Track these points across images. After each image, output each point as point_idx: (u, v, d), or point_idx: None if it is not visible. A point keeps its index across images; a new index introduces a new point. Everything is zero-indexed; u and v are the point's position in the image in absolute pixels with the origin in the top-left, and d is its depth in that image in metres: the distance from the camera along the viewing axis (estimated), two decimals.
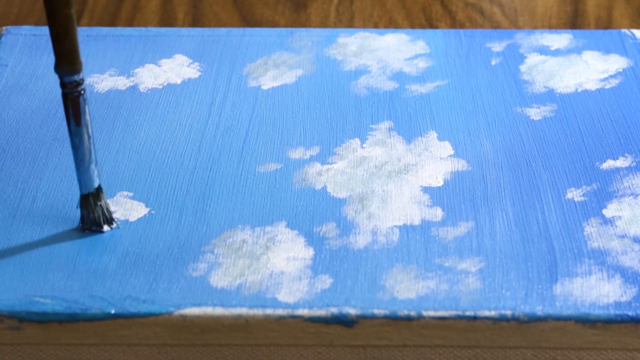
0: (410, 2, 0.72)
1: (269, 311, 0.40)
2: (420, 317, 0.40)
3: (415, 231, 0.43)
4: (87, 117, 0.42)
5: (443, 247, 0.43)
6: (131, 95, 0.53)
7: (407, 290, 0.41)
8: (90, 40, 0.57)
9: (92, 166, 0.43)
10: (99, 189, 0.43)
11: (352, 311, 0.40)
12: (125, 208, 0.45)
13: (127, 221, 0.44)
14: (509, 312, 0.40)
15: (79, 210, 0.43)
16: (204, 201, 0.45)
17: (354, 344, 0.40)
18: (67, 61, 0.41)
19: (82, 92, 0.41)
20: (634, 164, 0.47)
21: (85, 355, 0.41)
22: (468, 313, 0.40)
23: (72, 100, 0.41)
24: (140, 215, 0.44)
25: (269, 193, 0.46)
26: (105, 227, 0.43)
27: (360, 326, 0.40)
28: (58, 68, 0.41)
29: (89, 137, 0.42)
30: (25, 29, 0.58)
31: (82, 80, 0.41)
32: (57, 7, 0.40)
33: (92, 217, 0.43)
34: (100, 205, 0.43)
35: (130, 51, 0.56)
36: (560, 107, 0.52)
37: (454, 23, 0.70)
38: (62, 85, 0.41)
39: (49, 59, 0.55)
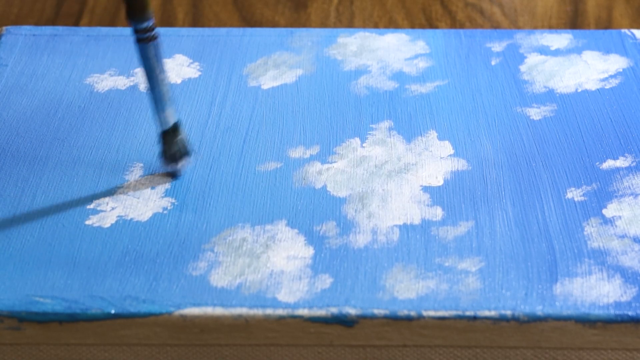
0: (410, 2, 0.72)
1: (269, 311, 0.40)
2: (420, 317, 0.40)
3: (415, 231, 0.43)
4: (162, 59, 0.44)
5: (443, 246, 0.43)
6: (131, 95, 0.53)
7: (407, 290, 0.41)
8: (90, 40, 0.57)
9: (169, 104, 0.45)
10: (177, 125, 0.46)
11: (352, 311, 0.40)
12: (125, 206, 0.45)
13: (126, 219, 0.44)
14: (509, 312, 0.40)
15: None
16: (204, 199, 0.45)
17: (354, 344, 0.40)
18: (139, 9, 0.43)
19: (155, 34, 0.43)
20: (634, 164, 0.47)
21: (85, 355, 0.41)
22: (468, 313, 0.40)
23: (147, 44, 0.43)
24: (140, 214, 0.44)
25: (269, 192, 0.46)
26: (180, 164, 0.46)
27: (360, 326, 0.40)
28: (131, 17, 0.43)
29: (165, 77, 0.45)
30: (25, 29, 0.58)
31: (154, 25, 0.43)
32: None
33: (171, 151, 0.46)
34: (179, 140, 0.46)
35: (130, 51, 0.56)
36: (560, 107, 0.52)
37: (454, 23, 0.70)
38: (136, 32, 0.43)
39: (49, 59, 0.55)
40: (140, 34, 0.43)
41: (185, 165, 0.46)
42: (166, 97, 0.45)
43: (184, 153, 0.46)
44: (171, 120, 0.46)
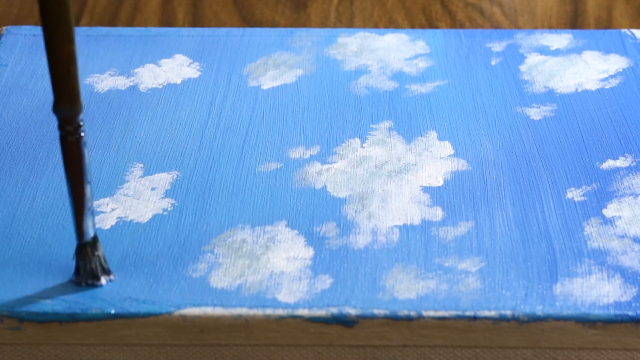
0: (410, 2, 0.72)
1: (269, 311, 0.40)
2: (420, 317, 0.40)
3: (415, 231, 0.43)
4: (87, 162, 0.39)
5: (443, 247, 0.43)
6: (131, 95, 0.53)
7: (407, 290, 0.41)
8: (90, 40, 0.57)
9: (90, 214, 0.40)
10: (96, 238, 0.41)
11: (352, 311, 0.40)
12: (125, 207, 0.45)
13: (126, 221, 0.44)
14: (509, 312, 0.40)
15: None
16: (204, 200, 0.45)
17: (354, 344, 0.40)
18: (68, 101, 0.38)
19: (83, 135, 0.38)
20: (634, 164, 0.47)
21: (85, 355, 0.41)
22: (468, 313, 0.40)
23: (73, 144, 0.38)
24: (140, 215, 0.44)
25: (269, 192, 0.46)
26: (103, 280, 0.41)
27: (360, 326, 0.40)
28: (58, 109, 0.38)
29: (88, 183, 0.39)
30: (25, 29, 0.58)
31: (83, 121, 0.38)
32: (59, 42, 0.36)
33: (89, 268, 0.40)
34: (98, 255, 0.41)
35: (130, 51, 0.56)
36: (560, 107, 0.52)
37: (454, 23, 0.70)
38: (62, 127, 0.38)
39: None
40: (67, 131, 0.38)
41: (102, 283, 0.41)
42: (88, 205, 0.40)
43: (103, 270, 0.41)
44: (91, 233, 0.40)
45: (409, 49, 0.56)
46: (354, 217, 0.44)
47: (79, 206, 0.40)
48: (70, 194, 0.39)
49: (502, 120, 0.51)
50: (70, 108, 0.38)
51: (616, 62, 0.55)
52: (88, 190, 0.39)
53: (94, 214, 0.40)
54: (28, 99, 0.52)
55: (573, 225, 0.44)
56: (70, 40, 0.36)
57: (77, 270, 0.41)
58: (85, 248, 0.40)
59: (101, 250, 0.41)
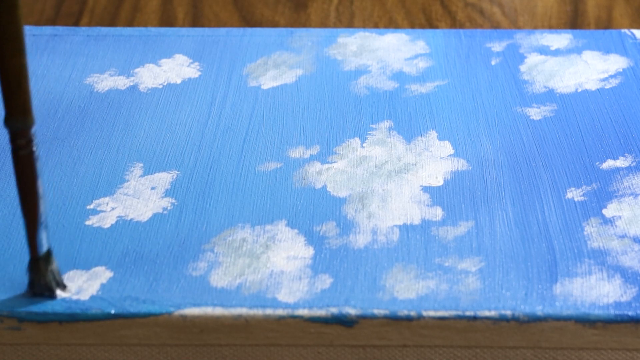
0: (410, 2, 0.72)
1: (269, 311, 0.40)
2: (420, 317, 0.40)
3: (415, 231, 0.43)
4: (40, 176, 0.38)
5: (443, 246, 0.43)
6: (131, 95, 0.53)
7: (407, 290, 0.41)
8: (90, 40, 0.57)
9: (43, 228, 0.39)
10: (49, 252, 0.40)
11: (352, 311, 0.40)
12: (125, 206, 0.45)
13: (126, 220, 0.44)
14: (509, 312, 0.40)
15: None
16: (204, 200, 0.45)
17: (354, 344, 0.40)
18: (20, 114, 0.37)
19: (35, 149, 0.38)
20: (634, 164, 0.47)
21: (85, 355, 0.41)
22: (468, 313, 0.40)
23: (25, 158, 0.38)
24: (140, 214, 0.44)
25: (269, 192, 0.46)
26: (58, 292, 0.40)
27: (360, 326, 0.40)
28: (10, 122, 0.37)
29: (41, 197, 0.38)
30: (25, 29, 0.58)
31: (34, 135, 0.37)
32: (9, 57, 0.35)
33: (43, 282, 0.40)
34: (51, 269, 0.40)
35: (130, 51, 0.56)
36: (560, 107, 0.52)
37: (454, 23, 0.70)
38: (13, 141, 0.37)
39: (49, 59, 0.55)
40: (19, 145, 0.37)
41: (57, 296, 0.40)
42: (42, 219, 0.39)
43: (57, 284, 0.40)
44: (44, 247, 0.40)
45: (409, 49, 0.56)
46: (354, 217, 0.44)
47: (31, 221, 0.39)
48: (23, 208, 0.39)
49: (502, 120, 0.51)
50: (22, 121, 0.37)
51: (616, 62, 0.55)
52: (41, 204, 0.39)
53: (47, 228, 0.39)
54: None
55: (573, 225, 0.44)
56: (20, 53, 0.36)
57: (32, 284, 0.40)
58: (39, 263, 0.40)
59: (55, 265, 0.40)
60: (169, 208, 0.45)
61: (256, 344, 0.40)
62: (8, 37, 0.35)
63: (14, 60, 0.36)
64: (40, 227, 0.39)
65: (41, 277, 0.40)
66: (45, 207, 0.39)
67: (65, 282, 0.41)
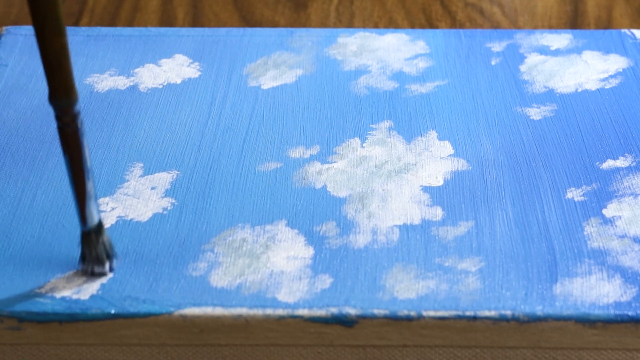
0: (410, 2, 0.72)
1: (269, 311, 0.40)
2: (420, 317, 0.40)
3: (415, 231, 0.43)
4: (87, 150, 0.39)
5: (443, 246, 0.43)
6: (131, 95, 0.53)
7: (407, 290, 0.41)
8: (90, 40, 0.57)
9: (93, 201, 0.40)
10: (100, 224, 0.41)
11: (352, 311, 0.40)
12: (125, 206, 0.45)
13: (126, 220, 0.44)
14: (509, 312, 0.40)
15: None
16: (204, 200, 0.45)
17: (354, 344, 0.40)
18: (63, 93, 0.38)
19: (80, 124, 0.39)
20: (634, 164, 0.47)
21: (85, 355, 0.41)
22: (468, 313, 0.40)
23: (71, 134, 0.39)
24: (140, 214, 0.44)
25: (269, 192, 0.46)
26: (107, 266, 0.41)
27: (360, 326, 0.40)
28: (54, 101, 0.38)
29: (89, 171, 0.40)
30: (25, 29, 0.58)
31: (79, 112, 0.39)
32: (50, 37, 0.37)
33: (94, 254, 0.41)
34: (103, 241, 0.41)
35: (130, 51, 0.56)
36: (560, 107, 0.52)
37: (454, 23, 0.70)
38: (59, 119, 0.39)
39: None
40: (64, 122, 0.39)
41: (109, 269, 0.41)
42: (90, 192, 0.40)
43: (108, 256, 0.41)
44: (95, 219, 0.41)
45: (409, 49, 0.56)
46: (354, 217, 0.44)
47: (81, 194, 0.40)
48: (72, 182, 0.40)
49: (502, 120, 0.51)
50: (66, 99, 0.38)
51: (616, 62, 0.55)
52: (89, 177, 0.40)
53: (96, 200, 0.41)
54: (28, 99, 0.52)
55: (573, 225, 0.44)
56: (60, 34, 0.37)
57: (83, 257, 0.41)
58: (90, 235, 0.41)
59: (106, 236, 0.41)
60: (169, 208, 0.45)
61: (256, 344, 0.40)
62: (49, 18, 0.36)
63: (55, 41, 0.37)
64: (90, 200, 0.40)
65: (92, 250, 0.41)
66: (94, 180, 0.40)
67: (65, 282, 0.41)
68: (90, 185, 0.40)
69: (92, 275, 0.41)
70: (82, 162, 0.39)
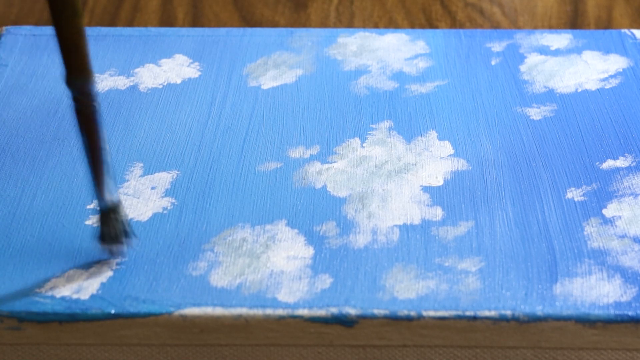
0: (410, 2, 0.72)
1: (269, 311, 0.40)
2: (420, 317, 0.40)
3: (415, 231, 0.43)
4: (103, 130, 0.40)
5: (443, 246, 0.43)
6: (131, 95, 0.53)
7: (407, 290, 0.41)
8: (90, 40, 0.57)
9: (110, 179, 0.41)
10: (119, 203, 0.41)
11: (352, 311, 0.40)
12: (125, 206, 0.45)
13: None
14: (509, 312, 0.40)
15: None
16: (204, 199, 0.45)
17: (354, 344, 0.40)
18: (79, 74, 0.38)
19: (96, 105, 0.39)
20: (634, 164, 0.47)
21: (85, 355, 0.41)
22: (468, 313, 0.40)
23: (87, 115, 0.39)
24: (140, 214, 0.44)
25: (269, 192, 0.46)
26: (122, 246, 0.42)
27: (360, 326, 0.40)
28: (71, 82, 0.39)
29: (105, 150, 0.40)
30: (25, 29, 0.58)
31: (95, 93, 0.39)
32: (66, 17, 0.37)
33: (113, 232, 0.41)
34: (120, 219, 0.41)
35: (130, 51, 0.56)
36: (560, 107, 0.52)
37: (454, 23, 0.70)
38: (76, 100, 0.39)
39: (49, 59, 0.55)
40: (82, 102, 0.39)
41: (126, 248, 0.42)
42: (107, 171, 0.41)
43: (126, 234, 0.42)
44: (113, 197, 0.41)
45: (409, 49, 0.56)
46: (354, 217, 0.44)
47: (98, 173, 0.40)
48: (89, 161, 0.40)
49: (502, 120, 0.51)
50: (83, 79, 0.38)
51: (616, 62, 0.55)
52: (106, 157, 0.40)
53: (114, 179, 0.41)
54: (28, 99, 0.52)
55: (573, 225, 0.44)
56: (77, 15, 0.37)
57: (101, 235, 0.42)
58: (108, 213, 0.41)
59: (124, 214, 0.42)
60: (169, 208, 0.45)
61: (256, 344, 0.40)
62: (66, 0, 0.37)
63: (71, 22, 0.37)
64: (107, 179, 0.41)
65: (111, 228, 0.41)
66: (110, 159, 0.41)
67: (65, 282, 0.41)
68: (107, 165, 0.40)
69: (112, 254, 0.42)
70: (99, 141, 0.40)
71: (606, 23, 0.69)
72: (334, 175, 0.47)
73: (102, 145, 0.40)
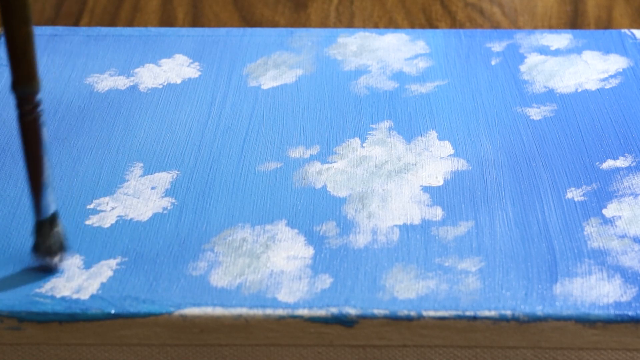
0: (410, 2, 0.72)
1: (269, 311, 0.40)
2: (420, 317, 0.40)
3: (415, 231, 0.43)
4: (45, 139, 0.40)
5: (443, 246, 0.43)
6: (131, 95, 0.53)
7: (407, 290, 0.41)
8: (90, 40, 0.57)
9: (50, 190, 0.40)
10: (55, 215, 0.41)
11: (352, 311, 0.40)
12: (125, 206, 0.45)
13: (126, 219, 0.44)
14: (509, 312, 0.40)
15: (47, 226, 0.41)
16: (204, 199, 0.45)
17: (354, 344, 0.40)
18: (26, 81, 0.38)
19: (41, 114, 0.39)
20: (634, 164, 0.47)
21: (85, 355, 0.41)
22: (468, 313, 0.40)
23: (30, 123, 0.39)
24: (140, 214, 0.44)
25: (269, 192, 0.46)
26: (57, 259, 0.41)
27: (360, 326, 0.40)
28: (17, 89, 0.38)
29: (45, 160, 0.40)
30: None
31: (40, 102, 0.39)
32: (16, 24, 0.37)
33: (47, 244, 0.41)
34: (56, 232, 0.41)
35: (130, 51, 0.56)
36: (560, 107, 0.52)
37: (454, 23, 0.70)
38: (20, 106, 0.39)
39: (49, 59, 0.55)
40: (26, 110, 0.39)
41: (61, 261, 0.41)
42: (47, 182, 0.40)
43: (61, 247, 0.41)
44: (50, 209, 0.41)
45: (409, 49, 0.56)
46: (354, 217, 0.44)
47: (37, 183, 0.40)
48: (29, 172, 0.40)
49: (502, 120, 0.51)
50: (29, 87, 0.38)
51: (616, 62, 0.55)
52: (46, 166, 0.40)
53: (53, 191, 0.40)
54: None
55: (573, 225, 0.44)
56: (26, 22, 0.37)
57: (36, 246, 0.41)
58: (43, 225, 0.41)
59: (60, 228, 0.41)
60: (169, 208, 0.45)
61: (256, 344, 0.40)
62: (15, 7, 0.37)
63: (20, 29, 0.37)
64: (45, 190, 0.40)
65: (46, 239, 0.41)
66: (50, 171, 0.40)
67: (65, 281, 0.41)
68: (47, 175, 0.40)
69: (42, 268, 0.41)
70: (40, 151, 0.40)
71: (606, 23, 0.69)
72: (334, 175, 0.47)
73: (43, 154, 0.40)
